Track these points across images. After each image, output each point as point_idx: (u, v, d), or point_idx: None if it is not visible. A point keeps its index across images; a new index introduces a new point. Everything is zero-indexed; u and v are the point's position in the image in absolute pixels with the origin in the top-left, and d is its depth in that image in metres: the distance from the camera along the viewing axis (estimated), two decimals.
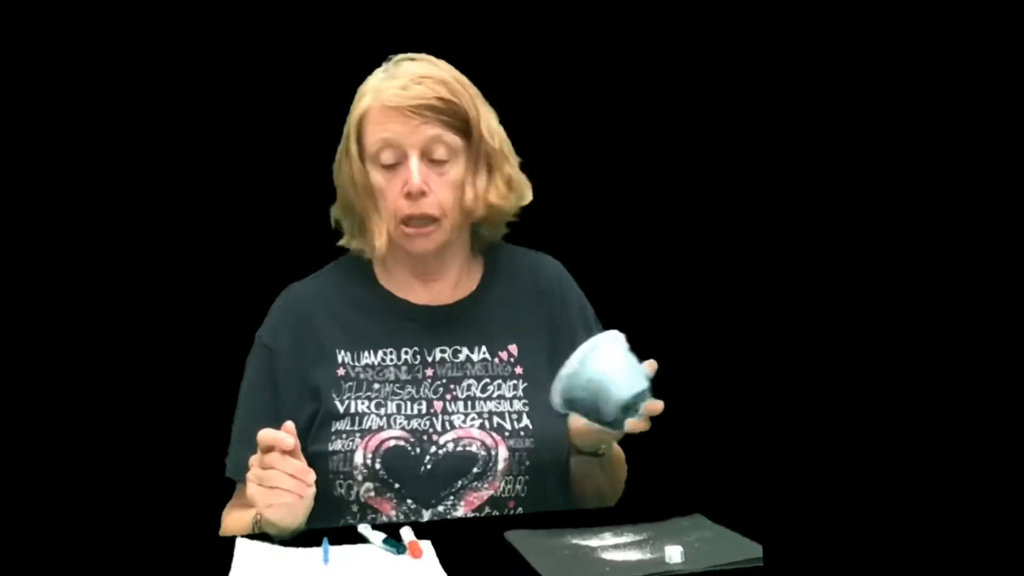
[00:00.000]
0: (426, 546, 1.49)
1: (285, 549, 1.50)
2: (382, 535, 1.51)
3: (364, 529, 1.54)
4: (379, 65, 1.83)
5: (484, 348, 1.84)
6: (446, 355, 1.82)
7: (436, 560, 1.45)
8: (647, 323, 2.62)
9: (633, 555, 1.45)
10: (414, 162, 1.76)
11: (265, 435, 1.54)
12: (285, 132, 2.41)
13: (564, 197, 2.53)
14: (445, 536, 1.51)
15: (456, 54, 1.90)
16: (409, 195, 1.76)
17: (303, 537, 1.53)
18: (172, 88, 2.38)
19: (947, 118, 2.47)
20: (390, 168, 1.78)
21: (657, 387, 2.53)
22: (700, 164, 2.67)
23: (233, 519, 1.77)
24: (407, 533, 1.51)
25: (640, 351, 2.56)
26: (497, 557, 1.47)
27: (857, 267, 2.61)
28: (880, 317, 2.66)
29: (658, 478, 1.89)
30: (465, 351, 1.83)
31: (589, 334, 1.76)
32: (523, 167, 1.91)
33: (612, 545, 1.49)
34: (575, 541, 1.51)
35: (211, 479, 1.80)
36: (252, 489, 1.54)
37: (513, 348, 1.84)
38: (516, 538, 1.51)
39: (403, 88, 1.76)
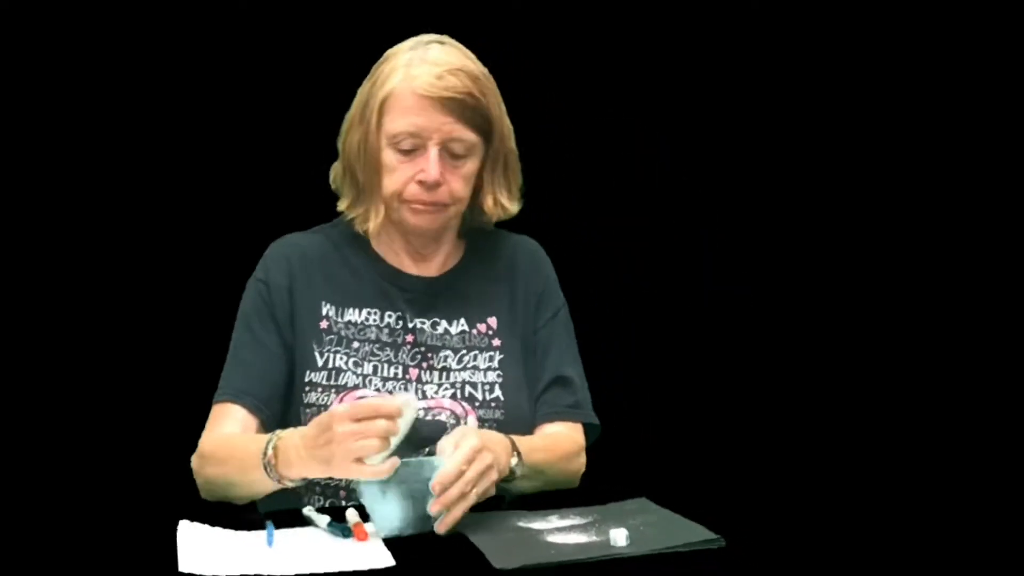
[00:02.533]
0: (371, 529, 1.48)
1: (229, 532, 1.49)
2: (327, 518, 1.51)
3: (309, 512, 1.54)
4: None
5: (463, 320, 1.86)
6: (426, 326, 1.85)
7: (382, 543, 1.45)
8: (647, 322, 2.61)
9: (578, 538, 1.44)
10: (434, 154, 1.77)
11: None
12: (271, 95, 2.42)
13: (565, 197, 2.52)
14: None
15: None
16: (422, 183, 1.78)
17: (248, 520, 1.53)
18: (145, 50, 2.39)
19: (946, 119, 2.44)
20: (407, 153, 1.79)
21: (652, 378, 2.52)
22: (700, 164, 2.65)
23: (226, 444, 1.73)
24: (352, 516, 1.51)
25: (638, 348, 2.55)
26: (443, 539, 1.46)
27: (850, 267, 2.56)
28: (865, 316, 2.61)
29: (605, 462, 1.87)
30: (444, 324, 1.85)
31: (550, 317, 1.89)
32: (523, 167, 1.92)
33: (557, 528, 1.48)
34: (521, 524, 1.50)
35: (155, 464, 1.80)
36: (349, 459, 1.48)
37: (492, 321, 1.87)
38: (462, 520, 1.50)
39: (438, 78, 1.76)
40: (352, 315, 1.84)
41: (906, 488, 1.75)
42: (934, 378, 2.50)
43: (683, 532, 1.43)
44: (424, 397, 1.79)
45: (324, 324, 1.83)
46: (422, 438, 1.73)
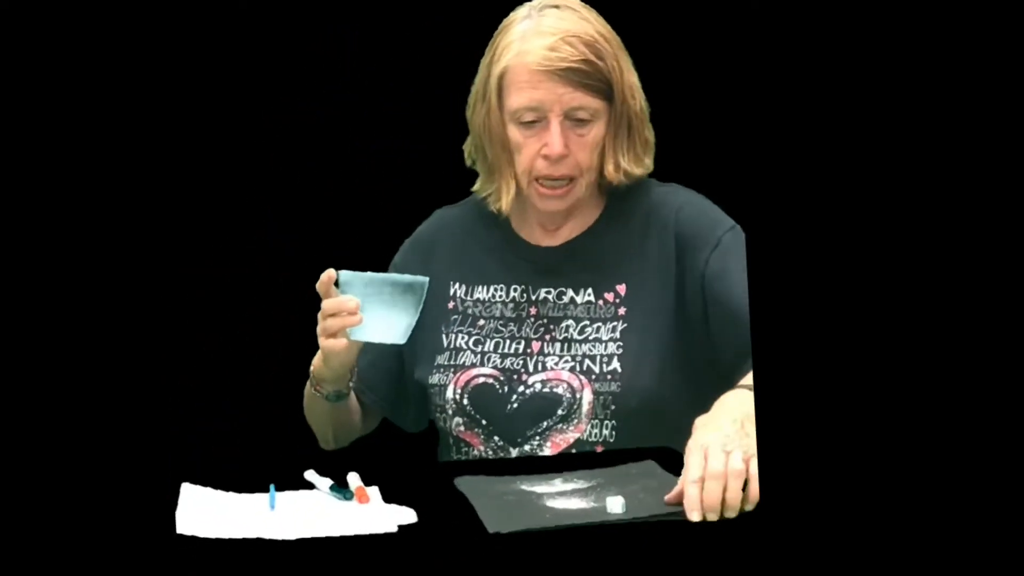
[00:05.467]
0: (373, 492, 1.49)
1: (231, 495, 1.50)
2: (329, 481, 1.51)
3: (310, 475, 1.54)
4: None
5: (590, 290, 1.83)
6: (551, 296, 1.84)
7: (383, 506, 1.45)
8: None
9: (576, 503, 1.43)
10: (555, 127, 1.75)
11: (320, 285, 1.69)
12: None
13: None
14: (395, 483, 1.51)
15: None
16: (547, 158, 1.77)
17: (250, 483, 1.53)
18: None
19: (946, 118, 2.43)
20: (529, 125, 1.77)
21: None
22: (696, 163, 2.63)
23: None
24: (354, 479, 1.52)
25: None
26: (444, 503, 1.46)
27: (850, 267, 2.55)
28: (863, 313, 2.61)
29: None
30: (570, 293, 1.84)
31: (714, 250, 1.77)
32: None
33: (558, 492, 1.48)
34: (523, 487, 1.50)
35: (157, 424, 1.80)
36: (321, 342, 1.73)
37: (621, 288, 1.82)
38: (465, 484, 1.51)
39: (551, 49, 1.73)
40: (481, 293, 1.87)
41: (911, 460, 1.74)
42: (941, 360, 2.49)
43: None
44: (544, 369, 1.79)
45: (451, 305, 1.87)
46: (537, 410, 1.77)
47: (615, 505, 1.39)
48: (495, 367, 1.81)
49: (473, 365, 1.82)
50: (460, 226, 1.93)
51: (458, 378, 1.81)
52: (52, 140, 2.28)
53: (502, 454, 1.78)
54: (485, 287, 1.87)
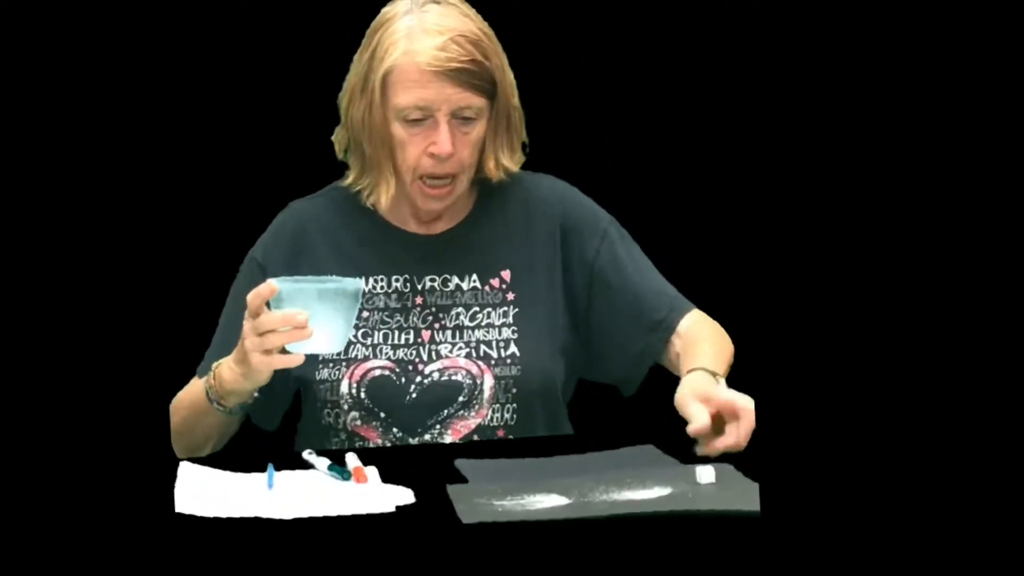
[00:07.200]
0: (371, 472, 1.49)
1: (229, 474, 1.50)
2: (327, 461, 1.51)
3: (309, 455, 1.54)
4: None
5: (475, 276, 1.84)
6: (436, 284, 1.83)
7: (381, 485, 1.45)
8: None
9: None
10: (444, 127, 1.74)
11: (254, 298, 1.56)
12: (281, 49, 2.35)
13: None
14: (394, 463, 1.52)
15: None
16: (434, 156, 1.75)
17: (248, 462, 1.53)
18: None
19: (947, 116, 2.40)
20: (415, 123, 1.75)
21: None
22: (693, 163, 2.62)
23: (185, 391, 1.78)
24: (352, 459, 1.52)
25: None
26: (442, 484, 1.45)
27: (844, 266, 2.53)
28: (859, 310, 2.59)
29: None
30: (455, 280, 1.84)
31: (599, 242, 1.84)
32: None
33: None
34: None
35: (155, 404, 1.79)
36: (256, 359, 1.56)
37: (506, 274, 1.84)
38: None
39: (440, 49, 1.72)
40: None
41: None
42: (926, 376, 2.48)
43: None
44: (438, 357, 1.78)
45: None
46: (437, 399, 1.76)
47: (706, 475, 1.39)
48: (389, 359, 1.78)
49: (366, 358, 1.78)
50: (324, 218, 1.87)
51: (352, 372, 1.77)
52: (51, 139, 2.27)
53: (401, 445, 1.76)
54: (364, 279, 1.81)
